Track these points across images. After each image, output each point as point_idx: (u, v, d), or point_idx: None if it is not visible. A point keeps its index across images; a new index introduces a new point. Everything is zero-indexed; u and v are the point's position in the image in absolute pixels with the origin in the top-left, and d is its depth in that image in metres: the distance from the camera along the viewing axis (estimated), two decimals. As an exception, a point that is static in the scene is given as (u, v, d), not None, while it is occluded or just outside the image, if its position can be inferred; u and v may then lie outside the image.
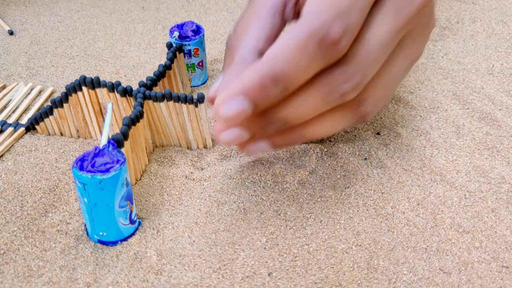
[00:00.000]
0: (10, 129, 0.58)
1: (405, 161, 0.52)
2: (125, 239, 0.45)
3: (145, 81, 0.54)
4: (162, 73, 0.56)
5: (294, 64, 0.35)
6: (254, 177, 0.51)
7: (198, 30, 0.63)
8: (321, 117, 0.42)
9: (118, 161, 0.42)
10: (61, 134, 0.58)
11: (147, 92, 0.52)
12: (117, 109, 0.55)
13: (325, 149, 0.54)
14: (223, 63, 0.53)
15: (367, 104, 0.43)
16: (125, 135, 0.46)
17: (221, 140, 0.42)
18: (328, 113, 0.42)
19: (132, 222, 0.45)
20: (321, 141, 0.55)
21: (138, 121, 0.49)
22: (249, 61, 0.42)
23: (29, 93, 0.65)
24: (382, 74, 0.43)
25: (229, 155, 0.54)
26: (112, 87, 0.53)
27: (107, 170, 0.41)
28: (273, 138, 0.45)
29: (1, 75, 0.69)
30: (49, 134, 0.58)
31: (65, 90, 0.55)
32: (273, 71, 0.36)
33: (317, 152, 0.53)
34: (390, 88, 0.46)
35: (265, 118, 0.41)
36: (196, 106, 0.51)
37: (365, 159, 0.53)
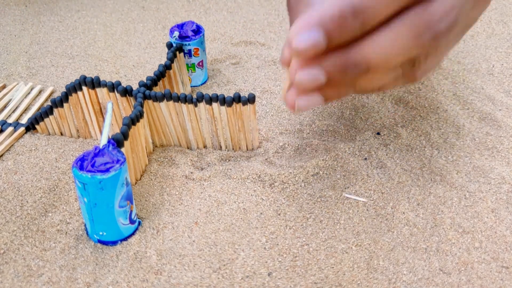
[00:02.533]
0: (10, 128, 0.58)
1: (405, 161, 0.52)
2: (125, 239, 0.45)
3: (145, 81, 0.54)
4: (162, 73, 0.56)
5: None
6: (254, 177, 0.51)
7: (198, 30, 0.63)
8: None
9: (118, 161, 0.42)
10: (61, 134, 0.58)
11: (147, 92, 0.52)
12: (117, 109, 0.54)
13: (326, 150, 0.54)
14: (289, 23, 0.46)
15: (429, 61, 0.39)
16: (125, 135, 0.46)
17: (299, 79, 0.37)
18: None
19: (132, 222, 0.45)
20: (322, 141, 0.55)
21: (138, 121, 0.49)
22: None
23: (29, 93, 0.65)
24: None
25: (229, 155, 0.54)
26: (112, 87, 0.53)
27: (107, 170, 0.41)
28: (327, 90, 0.40)
29: (1, 74, 0.69)
30: (49, 134, 0.58)
31: (65, 90, 0.55)
32: (353, 1, 0.33)
33: (317, 152, 0.53)
34: (447, 49, 0.42)
35: (347, 60, 0.36)
36: (196, 105, 0.51)
37: (365, 159, 0.53)
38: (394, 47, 0.36)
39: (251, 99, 0.50)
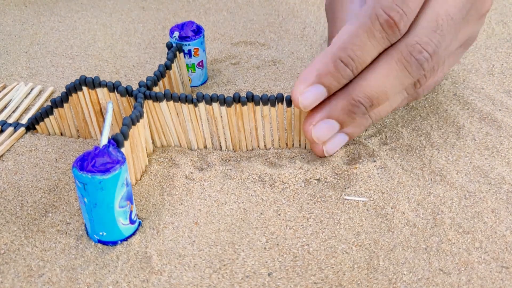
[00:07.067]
0: (10, 129, 0.58)
1: (405, 161, 0.52)
2: (125, 239, 0.45)
3: (145, 81, 0.54)
4: (162, 73, 0.56)
5: (360, 47, 0.39)
6: (254, 177, 0.51)
7: (198, 30, 0.63)
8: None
9: (118, 161, 0.42)
10: (61, 134, 0.58)
11: (147, 92, 0.52)
12: (117, 109, 0.55)
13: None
14: (327, 32, 0.53)
15: (430, 80, 0.45)
16: (125, 135, 0.46)
17: (315, 136, 0.46)
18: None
19: (132, 222, 0.45)
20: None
21: (138, 121, 0.49)
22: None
23: (29, 93, 0.65)
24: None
25: (229, 156, 0.54)
26: (112, 87, 0.53)
27: (107, 170, 0.41)
28: (347, 128, 0.48)
29: (1, 75, 0.69)
30: (49, 134, 0.58)
31: (65, 90, 0.55)
32: (342, 56, 0.40)
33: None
34: (445, 67, 0.48)
35: (352, 103, 0.42)
36: (196, 106, 0.51)
37: (366, 159, 0.53)
38: (388, 81, 0.41)
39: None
